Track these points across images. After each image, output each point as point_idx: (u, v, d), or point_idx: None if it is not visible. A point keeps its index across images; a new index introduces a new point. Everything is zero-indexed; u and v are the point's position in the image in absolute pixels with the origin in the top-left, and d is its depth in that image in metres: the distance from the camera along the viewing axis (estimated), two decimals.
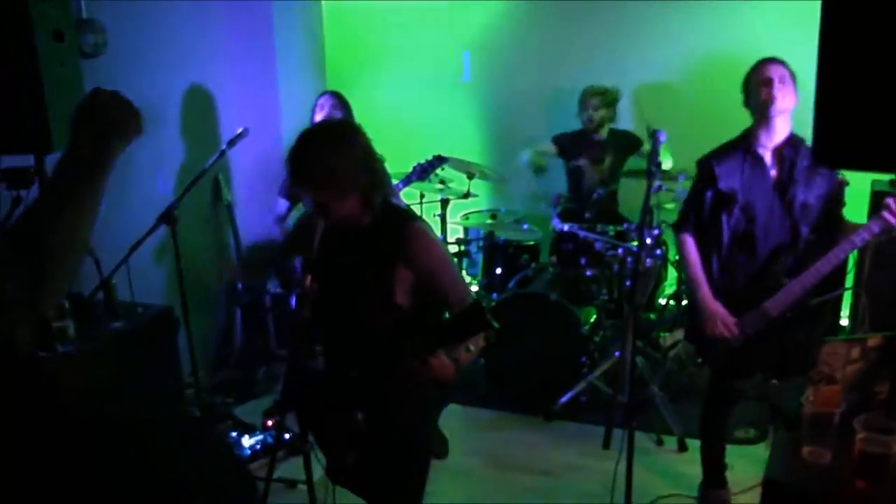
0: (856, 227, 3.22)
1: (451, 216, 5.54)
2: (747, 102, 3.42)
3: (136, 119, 1.60)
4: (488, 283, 5.41)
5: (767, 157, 3.39)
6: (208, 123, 5.17)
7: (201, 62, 5.08)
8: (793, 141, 3.37)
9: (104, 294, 3.65)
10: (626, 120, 5.68)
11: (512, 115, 6.28)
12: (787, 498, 2.32)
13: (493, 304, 4.94)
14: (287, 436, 4.11)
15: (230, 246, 5.28)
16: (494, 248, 5.39)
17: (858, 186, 4.86)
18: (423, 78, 6.35)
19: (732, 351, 3.42)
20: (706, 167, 3.49)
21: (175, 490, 0.76)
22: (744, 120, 3.47)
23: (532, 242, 5.45)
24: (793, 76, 3.33)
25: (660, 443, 4.44)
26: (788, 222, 3.37)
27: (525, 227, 5.55)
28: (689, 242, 3.55)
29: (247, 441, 4.24)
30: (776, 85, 3.27)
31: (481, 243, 5.51)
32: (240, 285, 5.25)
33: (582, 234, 4.90)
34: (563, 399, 4.75)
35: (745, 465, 3.87)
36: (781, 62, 3.34)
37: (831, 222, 3.42)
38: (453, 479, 4.21)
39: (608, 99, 5.34)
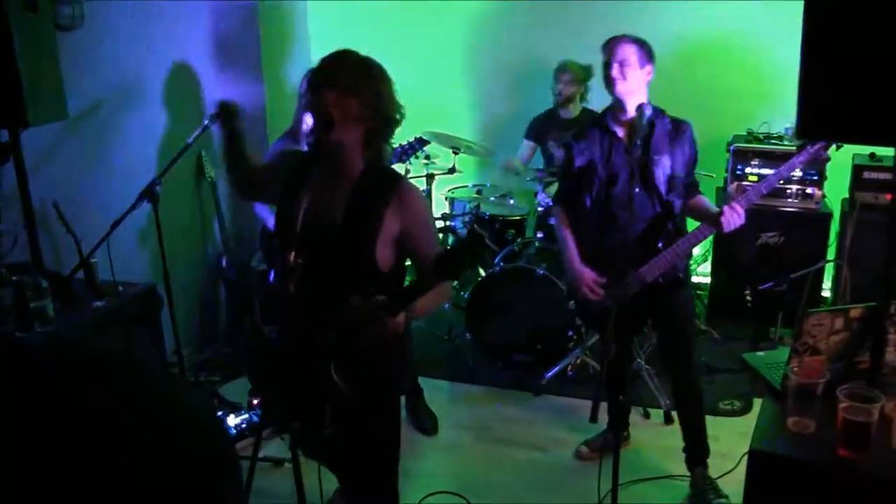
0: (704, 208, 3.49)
1: (437, 191, 5.51)
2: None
3: None
4: None
5: (620, 131, 3.54)
6: (190, 99, 5.11)
7: (182, 36, 5.01)
8: (649, 114, 3.46)
9: (84, 273, 3.61)
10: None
11: (499, 90, 6.25)
12: (773, 467, 2.33)
13: (480, 279, 4.93)
14: None
15: (214, 222, 5.25)
16: (480, 224, 5.37)
17: (840, 159, 4.89)
18: (411, 51, 6.29)
19: (607, 312, 3.41)
20: (567, 146, 3.77)
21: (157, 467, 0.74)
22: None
23: (518, 217, 5.43)
24: (643, 54, 3.44)
25: (646, 416, 4.45)
26: (650, 192, 3.50)
27: (511, 201, 5.54)
28: (560, 214, 3.79)
29: (232, 420, 4.22)
30: (615, 67, 3.43)
31: (467, 218, 5.49)
32: (224, 261, 5.22)
33: None
34: (550, 373, 4.76)
35: (731, 436, 3.88)
36: (631, 41, 3.45)
37: (686, 191, 3.57)
38: (442, 453, 4.23)
39: (580, 76, 5.31)
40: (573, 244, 3.70)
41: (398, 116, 2.62)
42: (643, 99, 3.47)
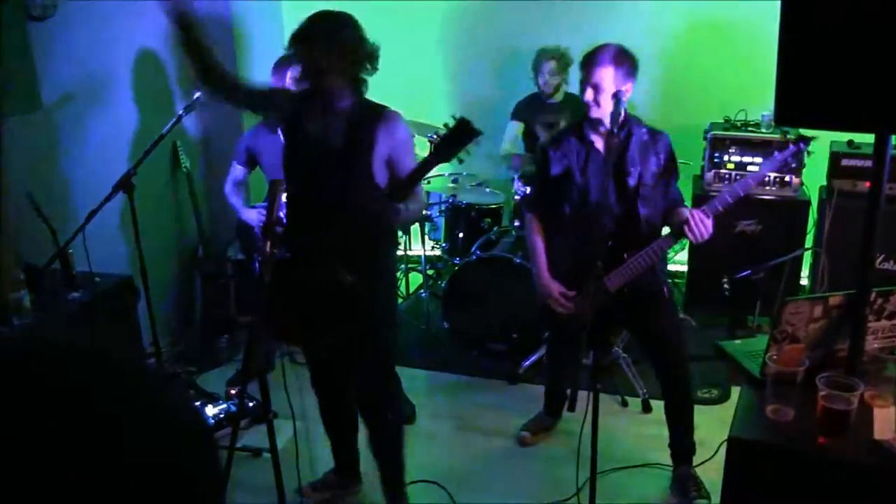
0: (678, 220, 3.36)
1: None
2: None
3: None
4: (451, 247, 5.39)
5: (598, 141, 3.50)
6: (164, 89, 5.06)
7: (155, 24, 4.95)
8: (625, 123, 3.43)
9: (61, 264, 3.58)
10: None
11: (477, 76, 6.24)
12: (752, 455, 2.35)
13: (457, 268, 4.93)
14: (250, 404, 4.09)
15: (190, 213, 5.20)
16: (456, 213, 5.36)
17: (818, 147, 4.92)
18: (388, 43, 6.25)
19: (583, 325, 3.22)
20: (542, 152, 3.67)
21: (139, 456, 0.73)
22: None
23: (494, 206, 5.42)
24: (621, 75, 3.32)
25: (624, 404, 4.47)
26: (623, 201, 3.46)
27: (487, 190, 5.54)
28: (533, 222, 3.73)
29: (210, 410, 4.20)
30: (589, 92, 3.36)
31: (443, 207, 5.48)
32: (200, 252, 5.19)
33: None
34: (528, 362, 4.77)
35: (709, 424, 3.90)
36: (609, 61, 3.32)
37: (664, 200, 3.52)
38: (419, 442, 4.21)
39: (564, 64, 5.31)
40: (543, 255, 3.67)
41: (376, 55, 3.08)
42: (619, 112, 3.33)
